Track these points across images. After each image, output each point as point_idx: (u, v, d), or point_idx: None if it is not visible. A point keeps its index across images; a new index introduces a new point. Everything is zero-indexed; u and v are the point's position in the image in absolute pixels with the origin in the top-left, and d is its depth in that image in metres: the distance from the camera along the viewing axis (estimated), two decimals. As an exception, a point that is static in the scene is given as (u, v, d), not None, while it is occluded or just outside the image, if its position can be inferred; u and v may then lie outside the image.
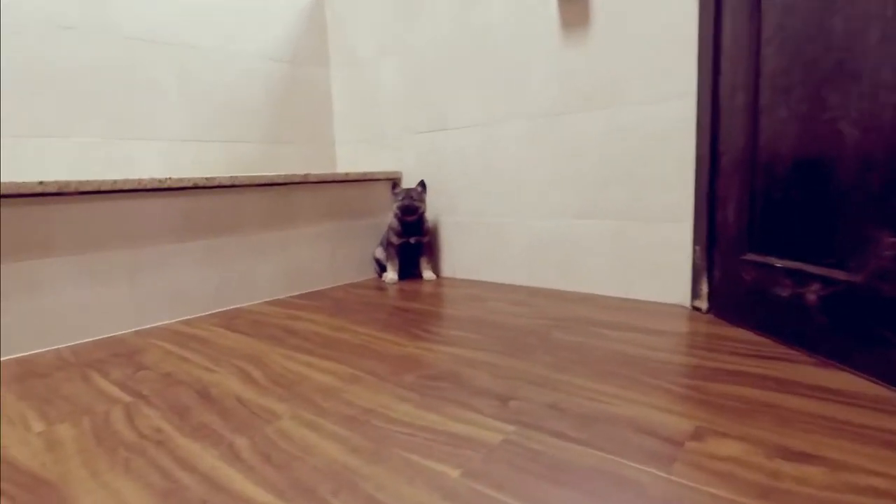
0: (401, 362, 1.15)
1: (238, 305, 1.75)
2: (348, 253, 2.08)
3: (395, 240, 2.04)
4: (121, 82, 1.82)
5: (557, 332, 1.30)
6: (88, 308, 1.44)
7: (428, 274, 2.09)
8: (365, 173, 2.08)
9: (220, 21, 2.08)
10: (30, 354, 1.34)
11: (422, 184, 2.06)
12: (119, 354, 1.31)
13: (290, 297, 1.87)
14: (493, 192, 1.93)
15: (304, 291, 1.93)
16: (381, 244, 2.12)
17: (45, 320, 1.37)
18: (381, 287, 1.97)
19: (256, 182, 1.74)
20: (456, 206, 2.06)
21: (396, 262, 2.08)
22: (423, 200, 2.04)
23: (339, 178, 1.99)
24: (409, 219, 1.98)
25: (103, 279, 1.46)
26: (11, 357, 1.32)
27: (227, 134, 2.12)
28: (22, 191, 1.29)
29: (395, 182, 2.05)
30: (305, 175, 1.88)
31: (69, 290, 1.40)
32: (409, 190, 2.02)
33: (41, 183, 1.32)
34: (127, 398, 1.03)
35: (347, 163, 2.45)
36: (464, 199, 2.03)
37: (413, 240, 2.04)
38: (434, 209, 2.14)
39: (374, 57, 2.28)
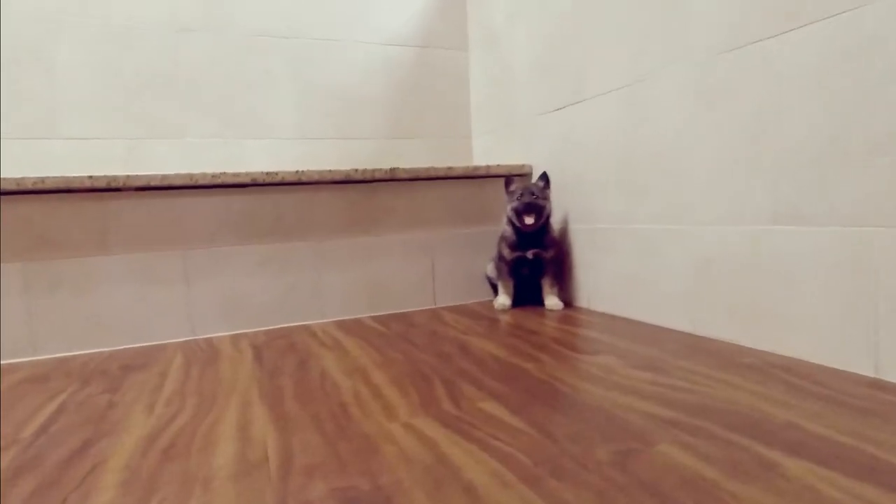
0: (351, 449, 0.68)
1: (303, 322, 1.50)
2: (453, 269, 1.66)
3: (507, 253, 1.53)
4: (233, 81, 1.78)
5: (670, 444, 0.65)
6: (140, 312, 1.35)
7: (552, 301, 1.52)
8: (475, 168, 1.64)
9: (341, 8, 1.91)
10: (73, 355, 1.30)
11: (544, 177, 1.52)
12: (128, 367, 1.15)
13: (369, 317, 1.54)
14: (644, 184, 1.28)
15: (387, 312, 1.59)
16: (494, 260, 1.63)
17: (98, 320, 1.32)
18: (482, 315, 1.50)
19: (328, 178, 1.47)
20: (593, 209, 1.46)
21: (510, 282, 1.57)
22: (546, 199, 1.50)
23: (440, 175, 1.59)
24: (529, 224, 1.46)
25: (156, 282, 1.35)
26: (58, 355, 1.29)
27: (342, 130, 1.93)
28: (72, 185, 1.26)
29: (509, 177, 1.55)
30: (392, 170, 1.54)
31: (123, 291, 1.33)
32: (527, 185, 1.50)
33: (91, 177, 1.27)
34: (22, 435, 0.81)
35: (484, 157, 2.04)
36: (603, 198, 1.41)
37: (531, 254, 1.50)
38: (564, 214, 1.57)
39: (506, 25, 1.82)
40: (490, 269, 1.63)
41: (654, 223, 1.24)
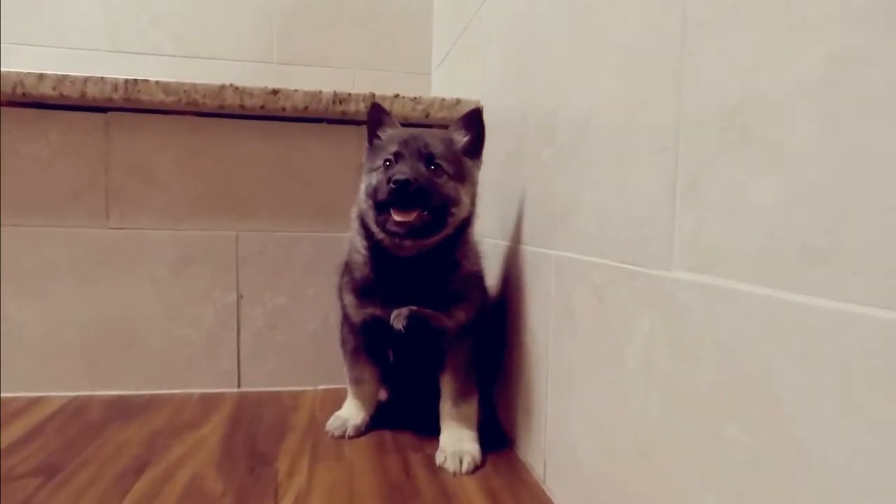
0: None
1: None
2: (286, 312, 0.78)
3: (351, 306, 0.62)
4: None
5: None
6: None
7: (451, 441, 0.58)
8: (337, 97, 0.73)
9: None
10: None
11: (470, 122, 0.60)
12: None
13: (80, 398, 0.71)
14: (715, 127, 0.32)
15: (129, 392, 0.74)
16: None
17: None
18: (266, 451, 0.61)
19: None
20: (574, 210, 0.50)
21: (366, 372, 0.65)
22: (461, 175, 0.58)
23: (252, 110, 0.71)
24: (403, 233, 0.54)
25: None
26: None
27: (191, 45, 1.12)
28: None
29: (376, 109, 0.62)
30: (132, 85, 0.68)
31: None
32: (417, 134, 0.58)
33: None
34: None
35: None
36: (593, 181, 0.46)
37: (402, 318, 0.57)
38: (512, 216, 0.63)
39: None
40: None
41: (754, 274, 0.28)
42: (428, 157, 0.56)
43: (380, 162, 0.57)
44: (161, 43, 1.10)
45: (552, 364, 0.54)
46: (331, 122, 0.76)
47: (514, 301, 0.64)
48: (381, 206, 0.55)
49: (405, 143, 0.57)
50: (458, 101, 0.76)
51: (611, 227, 0.44)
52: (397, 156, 0.56)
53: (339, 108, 0.73)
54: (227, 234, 0.76)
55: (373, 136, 0.61)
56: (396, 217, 0.53)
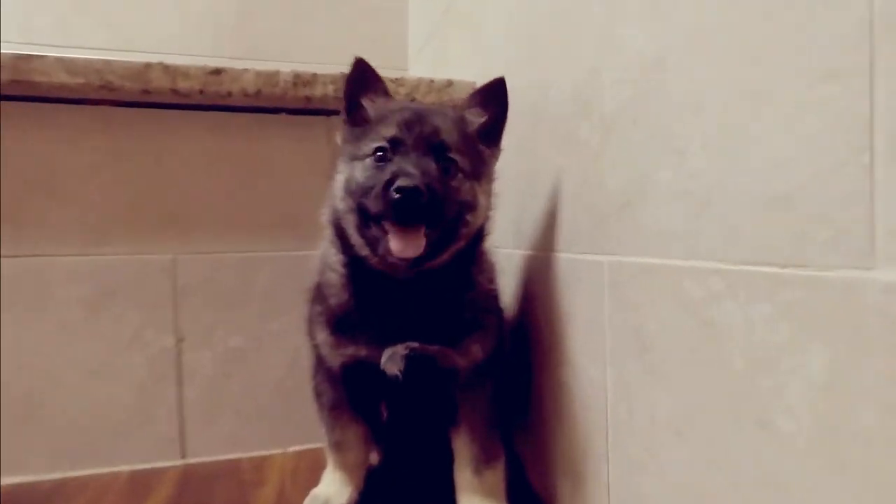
0: None
1: None
2: (241, 357, 0.61)
3: (329, 347, 0.45)
4: None
5: None
6: None
7: None
8: (299, 78, 0.58)
9: None
10: None
11: (491, 94, 0.46)
12: None
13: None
14: None
15: (46, 477, 0.56)
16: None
17: None
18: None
19: None
20: (627, 209, 0.36)
21: (352, 432, 0.48)
22: (479, 170, 0.43)
23: (190, 97, 0.55)
24: (404, 244, 0.38)
25: None
26: None
27: (129, 37, 0.95)
28: None
29: (361, 67, 0.46)
30: (22, 61, 0.52)
31: None
32: (420, 110, 0.43)
33: None
34: None
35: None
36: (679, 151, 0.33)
37: (396, 361, 0.41)
38: (510, 227, 0.49)
39: None
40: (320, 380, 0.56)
41: None
42: (438, 149, 0.41)
43: (368, 149, 0.41)
44: (87, 33, 0.93)
45: (613, 413, 0.39)
46: (292, 112, 0.61)
47: (541, 326, 0.49)
48: (371, 217, 0.39)
49: (406, 125, 0.41)
50: (451, 83, 0.62)
51: (716, 214, 0.30)
52: (395, 143, 0.41)
53: (302, 92, 0.58)
54: (160, 258, 0.59)
55: (355, 106, 0.45)
56: (396, 245, 0.37)
